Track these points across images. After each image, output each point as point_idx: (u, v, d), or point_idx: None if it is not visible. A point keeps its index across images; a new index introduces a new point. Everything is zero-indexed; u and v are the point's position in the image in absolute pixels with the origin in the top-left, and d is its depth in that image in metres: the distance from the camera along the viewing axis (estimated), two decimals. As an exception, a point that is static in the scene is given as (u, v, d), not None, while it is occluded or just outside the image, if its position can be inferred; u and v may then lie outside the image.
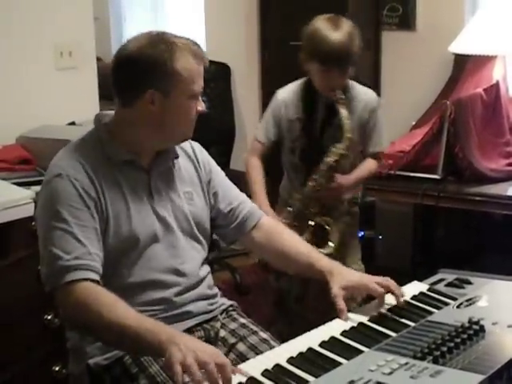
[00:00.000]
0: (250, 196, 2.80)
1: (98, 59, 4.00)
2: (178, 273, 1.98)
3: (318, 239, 2.80)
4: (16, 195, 2.45)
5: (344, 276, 1.97)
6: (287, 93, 2.94)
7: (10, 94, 3.06)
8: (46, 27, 3.21)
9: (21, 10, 3.08)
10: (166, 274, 1.96)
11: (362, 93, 2.90)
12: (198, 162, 2.12)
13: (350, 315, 1.86)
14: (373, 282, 1.93)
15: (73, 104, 3.37)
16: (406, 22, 4.37)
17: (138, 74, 1.88)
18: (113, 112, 1.99)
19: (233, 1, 4.87)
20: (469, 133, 3.33)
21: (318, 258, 2.07)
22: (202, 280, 2.06)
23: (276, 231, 2.16)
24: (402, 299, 1.89)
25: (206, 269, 2.11)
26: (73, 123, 3.26)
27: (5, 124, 2.99)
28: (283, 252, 2.12)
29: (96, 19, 3.69)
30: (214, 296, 2.09)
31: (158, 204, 1.97)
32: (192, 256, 2.04)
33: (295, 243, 2.14)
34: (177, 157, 2.05)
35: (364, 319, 1.84)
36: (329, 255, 2.72)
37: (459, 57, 4.00)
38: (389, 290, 1.91)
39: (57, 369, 2.61)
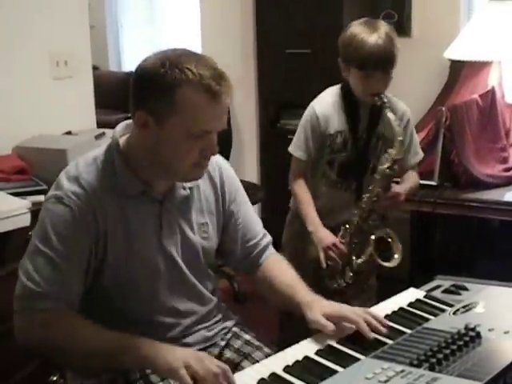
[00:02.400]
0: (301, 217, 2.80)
1: (95, 68, 4.02)
2: (179, 314, 1.92)
3: (382, 253, 2.71)
4: (12, 205, 2.45)
5: (323, 307, 1.87)
6: (326, 105, 2.79)
7: (5, 103, 3.06)
8: (41, 36, 3.22)
9: (16, 19, 3.08)
10: (166, 315, 1.90)
11: (398, 103, 2.83)
12: (223, 189, 2.01)
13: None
14: (352, 312, 1.82)
15: (69, 113, 3.37)
16: (402, 28, 4.37)
17: (135, 90, 1.76)
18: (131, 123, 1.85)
19: (229, 9, 4.88)
20: (465, 139, 3.33)
21: (299, 290, 1.95)
22: (204, 317, 2.00)
23: (270, 264, 2.09)
24: (382, 328, 1.78)
25: (212, 302, 2.03)
26: (69, 132, 3.26)
27: (1, 134, 2.99)
28: (270, 283, 2.04)
29: (92, 27, 3.70)
30: (214, 323, 2.03)
31: (167, 238, 1.87)
32: (196, 293, 1.97)
33: (283, 275, 2.04)
34: (197, 185, 1.94)
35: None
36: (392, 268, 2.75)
37: (455, 63, 4.00)
38: (367, 322, 1.79)
39: (54, 379, 2.60)
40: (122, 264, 1.81)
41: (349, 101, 2.77)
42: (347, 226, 2.76)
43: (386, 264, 2.73)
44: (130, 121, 1.87)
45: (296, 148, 2.82)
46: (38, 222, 1.81)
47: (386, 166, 2.67)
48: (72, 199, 1.76)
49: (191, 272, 1.94)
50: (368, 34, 2.62)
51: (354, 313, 1.81)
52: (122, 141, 1.85)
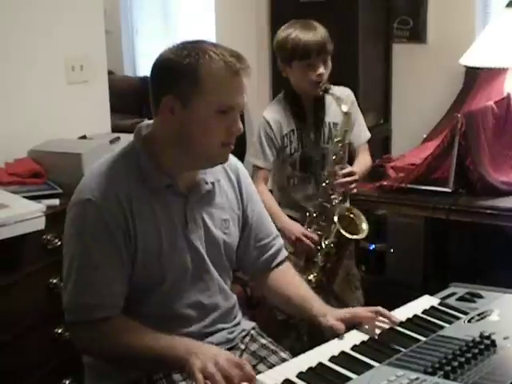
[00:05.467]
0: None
1: (110, 72, 4.01)
2: (203, 307, 1.95)
3: (349, 229, 2.81)
4: (27, 209, 2.45)
5: (335, 312, 1.94)
6: (274, 111, 2.97)
7: (21, 107, 3.07)
8: (57, 41, 3.23)
9: (32, 23, 3.10)
10: (192, 309, 1.93)
11: (339, 90, 2.93)
12: (241, 190, 2.05)
13: (357, 332, 1.85)
14: (365, 310, 1.92)
15: (84, 118, 3.37)
16: (417, 34, 4.37)
17: (159, 78, 1.80)
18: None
19: (244, 14, 4.88)
20: (480, 146, 3.31)
21: (315, 302, 2.01)
22: (227, 312, 2.02)
23: (282, 272, 2.13)
24: (395, 319, 1.86)
25: (233, 299, 2.07)
26: (84, 137, 3.27)
27: (16, 138, 3.00)
28: (281, 290, 2.08)
29: (108, 32, 3.71)
30: (235, 325, 2.05)
31: (193, 233, 1.90)
32: (220, 287, 2.00)
33: (296, 285, 2.09)
34: (218, 180, 1.97)
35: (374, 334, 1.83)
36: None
37: (470, 69, 3.99)
38: (380, 313, 1.87)
39: (67, 382, 2.61)
40: (152, 257, 1.83)
41: (292, 100, 2.95)
42: (312, 212, 2.89)
43: (355, 237, 2.82)
44: (149, 121, 1.91)
45: (254, 157, 2.99)
46: (69, 230, 1.83)
47: (337, 139, 2.84)
48: (100, 199, 1.77)
49: (214, 266, 1.97)
50: (302, 29, 2.83)
51: (368, 310, 1.90)
52: (144, 137, 1.88)
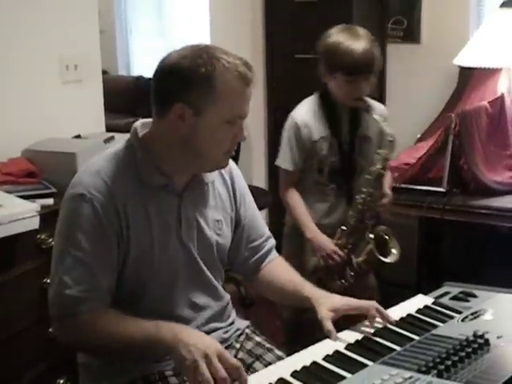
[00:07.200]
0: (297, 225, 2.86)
1: (104, 72, 4.01)
2: (196, 307, 1.95)
3: (380, 250, 2.75)
4: (21, 208, 2.44)
5: (331, 300, 1.94)
6: (305, 113, 2.85)
7: (15, 107, 3.07)
8: (51, 40, 3.22)
9: (26, 23, 3.09)
10: (185, 308, 1.92)
11: (376, 105, 2.87)
12: (234, 190, 2.05)
13: (351, 331, 1.85)
14: (360, 302, 1.93)
15: (78, 117, 3.37)
16: (411, 34, 4.38)
17: (171, 83, 1.77)
18: (151, 121, 1.89)
19: (238, 15, 4.88)
20: (474, 145, 3.32)
21: (305, 285, 2.03)
22: (220, 312, 2.02)
23: (273, 265, 2.13)
24: (391, 319, 1.87)
25: (226, 298, 2.07)
26: (78, 136, 3.26)
27: (10, 137, 2.99)
28: (274, 281, 2.09)
29: (102, 32, 3.70)
30: (229, 324, 2.05)
31: (185, 232, 1.90)
32: (212, 287, 2.00)
33: (287, 273, 2.10)
34: (212, 181, 1.97)
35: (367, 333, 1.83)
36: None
37: (464, 69, 4.00)
38: (377, 310, 1.88)
39: (61, 382, 2.61)
40: (144, 257, 1.83)
41: (329, 107, 2.84)
42: (343, 228, 2.81)
43: (385, 260, 2.76)
44: (146, 119, 1.90)
45: (282, 160, 2.89)
46: (61, 224, 1.82)
47: (379, 166, 2.75)
48: (94, 195, 1.77)
49: (206, 266, 1.97)
50: (353, 41, 2.68)
51: (366, 303, 1.90)
52: (141, 136, 1.87)
